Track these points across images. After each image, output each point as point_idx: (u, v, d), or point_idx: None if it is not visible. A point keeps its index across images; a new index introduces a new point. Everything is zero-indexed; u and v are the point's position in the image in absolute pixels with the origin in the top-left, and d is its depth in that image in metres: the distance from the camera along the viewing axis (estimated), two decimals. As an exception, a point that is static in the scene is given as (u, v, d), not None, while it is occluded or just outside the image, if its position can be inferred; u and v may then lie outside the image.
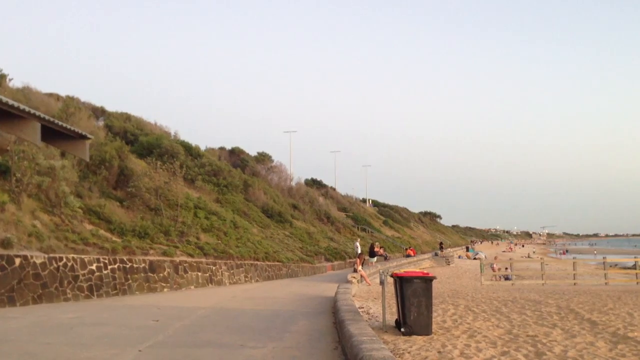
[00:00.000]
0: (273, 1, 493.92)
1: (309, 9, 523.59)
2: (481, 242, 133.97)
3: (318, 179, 71.88)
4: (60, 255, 14.38)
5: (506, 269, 34.82)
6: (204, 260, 20.86)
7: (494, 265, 38.20)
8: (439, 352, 8.14)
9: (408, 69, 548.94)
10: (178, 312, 12.46)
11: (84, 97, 42.67)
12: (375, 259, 31.09)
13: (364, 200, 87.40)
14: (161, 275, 18.01)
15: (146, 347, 8.30)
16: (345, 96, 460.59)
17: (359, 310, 11.53)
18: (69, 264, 14.49)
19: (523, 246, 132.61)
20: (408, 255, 44.32)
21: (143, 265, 17.34)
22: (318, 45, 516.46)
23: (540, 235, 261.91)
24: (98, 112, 36.95)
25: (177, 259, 19.25)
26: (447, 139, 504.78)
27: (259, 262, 25.35)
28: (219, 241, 24.08)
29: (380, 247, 38.78)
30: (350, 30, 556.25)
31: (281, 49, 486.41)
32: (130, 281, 16.59)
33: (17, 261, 12.94)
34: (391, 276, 10.58)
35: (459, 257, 65.23)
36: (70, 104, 27.73)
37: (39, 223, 15.51)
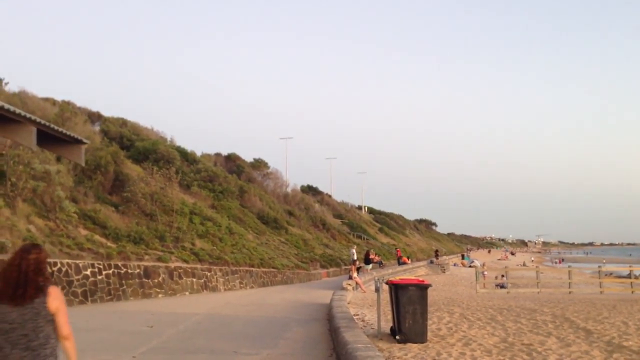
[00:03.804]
0: (269, 7, 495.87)
1: (306, 15, 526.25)
2: (477, 250, 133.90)
3: (314, 186, 71.88)
4: (55, 260, 14.31)
5: (502, 276, 34.78)
6: (199, 266, 20.80)
7: (485, 273, 38.14)
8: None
9: (405, 77, 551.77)
10: (172, 318, 12.41)
11: (80, 102, 42.70)
12: (370, 265, 31.06)
13: (360, 207, 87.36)
14: (156, 281, 17.94)
15: (140, 353, 8.26)
16: (342, 103, 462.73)
17: (354, 317, 11.51)
18: (64, 269, 14.42)
19: (513, 254, 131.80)
20: (403, 263, 44.22)
21: (138, 270, 17.27)
22: (314, 51, 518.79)
23: (535, 243, 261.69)
24: (94, 117, 36.90)
25: (172, 265, 19.19)
26: (444, 147, 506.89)
27: (254, 269, 25.29)
28: (214, 247, 24.03)
29: (376, 254, 38.75)
30: (347, 36, 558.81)
31: (277, 57, 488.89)
32: (124, 287, 16.52)
33: (11, 266, 12.86)
34: (386, 283, 10.56)
35: (455, 264, 65.09)
36: (66, 109, 27.70)
37: (33, 228, 15.44)
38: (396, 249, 51.29)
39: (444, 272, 48.81)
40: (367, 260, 31.15)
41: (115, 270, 16.33)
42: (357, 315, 13.18)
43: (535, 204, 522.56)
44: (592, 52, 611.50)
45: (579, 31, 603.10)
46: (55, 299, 3.61)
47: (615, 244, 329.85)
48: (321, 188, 73.61)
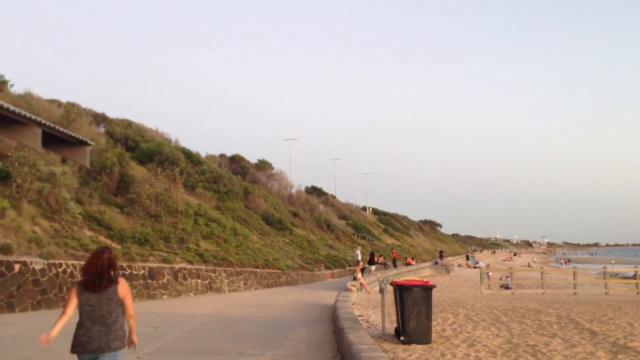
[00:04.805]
0: (273, 8, 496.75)
1: (309, 16, 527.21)
2: (481, 251, 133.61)
3: (318, 187, 71.89)
4: (60, 261, 14.37)
5: (507, 277, 34.71)
6: (203, 267, 20.83)
7: (490, 274, 38.06)
8: (439, 361, 8.12)
9: (410, 77, 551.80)
10: (177, 319, 12.43)
11: (85, 103, 42.97)
12: (374, 267, 31.06)
13: (364, 208, 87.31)
14: (160, 282, 17.98)
15: (145, 354, 8.28)
16: (346, 103, 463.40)
17: (359, 318, 11.50)
18: (69, 270, 14.48)
19: (515, 254, 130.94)
20: (408, 264, 44.17)
21: (142, 272, 17.32)
22: (319, 51, 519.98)
23: (540, 244, 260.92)
24: (99, 119, 37.02)
25: (177, 266, 19.22)
26: (449, 148, 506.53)
27: (258, 270, 25.31)
28: (219, 248, 24.06)
29: (380, 256, 38.73)
30: (351, 37, 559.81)
31: (282, 57, 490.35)
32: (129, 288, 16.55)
33: (17, 267, 12.92)
34: (391, 284, 10.56)
35: (459, 265, 65.07)
36: (72, 110, 27.80)
37: (39, 229, 15.50)
38: (392, 249, 50.99)
39: (449, 273, 48.77)
40: (372, 261, 31.16)
41: (120, 272, 16.37)
42: (362, 316, 13.17)
43: (540, 204, 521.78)
44: (594, 51, 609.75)
45: (579, 31, 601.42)
46: (122, 287, 4.75)
47: (621, 245, 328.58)
48: (325, 189, 73.70)
